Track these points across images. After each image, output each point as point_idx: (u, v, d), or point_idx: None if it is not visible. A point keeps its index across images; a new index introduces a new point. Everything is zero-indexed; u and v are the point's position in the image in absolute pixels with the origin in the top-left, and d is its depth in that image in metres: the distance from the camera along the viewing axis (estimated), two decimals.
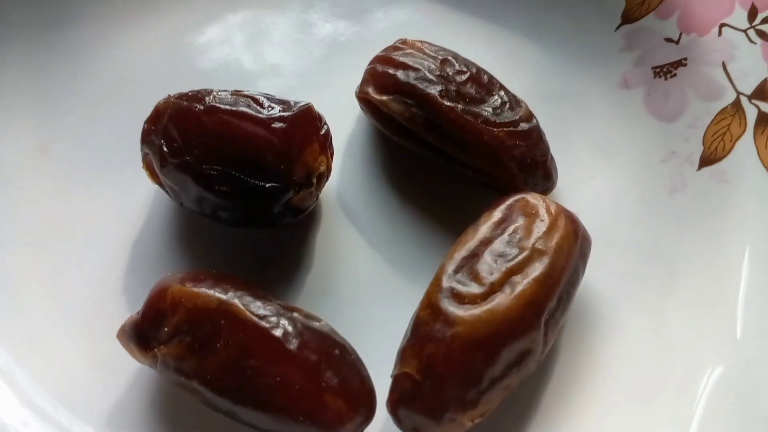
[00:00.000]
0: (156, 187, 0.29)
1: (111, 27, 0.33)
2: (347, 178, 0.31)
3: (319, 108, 0.28)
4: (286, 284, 0.29)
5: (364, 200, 0.30)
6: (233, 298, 0.24)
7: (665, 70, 0.31)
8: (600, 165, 0.31)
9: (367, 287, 0.29)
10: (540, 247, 0.25)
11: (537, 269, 0.25)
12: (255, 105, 0.27)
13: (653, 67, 0.31)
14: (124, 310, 0.27)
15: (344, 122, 0.32)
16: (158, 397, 0.27)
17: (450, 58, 0.30)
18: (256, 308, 0.24)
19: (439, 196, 0.30)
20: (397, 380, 0.24)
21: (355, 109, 0.31)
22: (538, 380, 0.27)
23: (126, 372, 0.27)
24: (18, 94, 0.32)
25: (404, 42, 0.31)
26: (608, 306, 0.28)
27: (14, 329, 0.28)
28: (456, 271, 0.25)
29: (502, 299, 0.24)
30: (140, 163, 0.29)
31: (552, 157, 0.30)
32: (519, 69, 0.32)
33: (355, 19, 0.34)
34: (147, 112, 0.28)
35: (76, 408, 0.27)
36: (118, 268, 0.29)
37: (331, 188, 0.30)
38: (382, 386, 0.25)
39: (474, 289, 0.25)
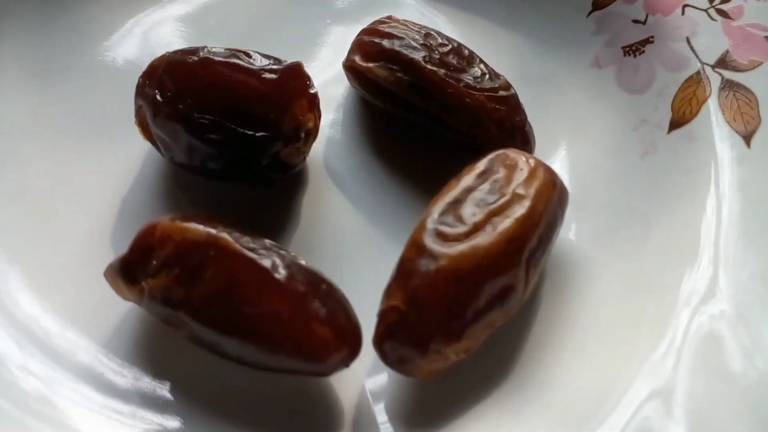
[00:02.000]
0: (146, 147, 0.30)
1: (104, 4, 0.34)
2: (333, 145, 0.32)
3: None
4: (274, 240, 0.29)
5: (350, 165, 0.31)
6: (222, 232, 0.25)
7: (634, 48, 0.33)
8: (576, 136, 0.32)
9: (352, 244, 0.29)
10: (520, 192, 0.26)
11: (518, 211, 0.26)
12: (247, 58, 0.28)
13: (623, 47, 0.33)
14: (111, 258, 0.27)
15: (331, 97, 0.33)
16: (143, 339, 0.27)
17: (433, 32, 0.32)
18: (245, 242, 0.24)
19: (419, 161, 0.31)
20: (383, 314, 0.25)
21: (341, 85, 0.33)
22: (522, 325, 0.27)
23: (112, 315, 0.27)
24: (13, 63, 0.33)
25: (390, 17, 0.32)
26: (587, 258, 0.29)
27: (3, 277, 0.28)
28: (441, 215, 0.26)
29: (484, 237, 0.25)
30: (129, 130, 0.29)
31: (530, 125, 0.31)
32: (500, 54, 0.34)
33: (344, 8, 0.35)
34: (135, 82, 0.29)
35: (59, 355, 0.27)
36: (107, 221, 0.29)
37: (317, 153, 0.31)
38: (366, 336, 0.25)
39: (458, 228, 0.25)
